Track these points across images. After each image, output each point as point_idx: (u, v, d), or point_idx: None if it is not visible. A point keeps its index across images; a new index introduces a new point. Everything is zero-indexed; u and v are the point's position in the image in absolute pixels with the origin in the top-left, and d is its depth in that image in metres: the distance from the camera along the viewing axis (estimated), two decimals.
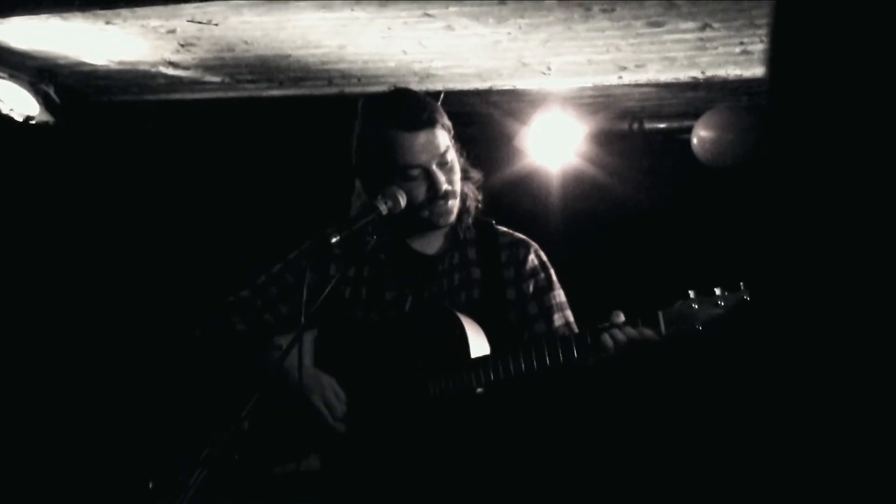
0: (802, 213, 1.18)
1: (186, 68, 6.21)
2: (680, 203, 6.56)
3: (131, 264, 7.27)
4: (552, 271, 3.82)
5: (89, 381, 7.05)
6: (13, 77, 6.38)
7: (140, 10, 5.21)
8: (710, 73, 5.76)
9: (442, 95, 6.29)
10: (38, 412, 6.96)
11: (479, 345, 3.53)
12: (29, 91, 6.47)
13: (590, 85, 6.11)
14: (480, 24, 5.21)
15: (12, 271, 7.05)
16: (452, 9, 5.03)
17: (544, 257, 3.84)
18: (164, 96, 6.82)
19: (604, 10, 4.97)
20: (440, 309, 3.65)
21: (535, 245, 3.84)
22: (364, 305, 3.76)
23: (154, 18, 5.34)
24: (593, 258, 6.39)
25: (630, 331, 3.38)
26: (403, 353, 3.57)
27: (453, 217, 3.73)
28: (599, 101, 6.66)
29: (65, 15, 5.33)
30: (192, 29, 5.47)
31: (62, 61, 6.22)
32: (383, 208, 3.53)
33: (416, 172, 3.64)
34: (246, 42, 5.65)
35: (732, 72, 5.72)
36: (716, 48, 5.41)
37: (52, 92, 6.53)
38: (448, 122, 3.75)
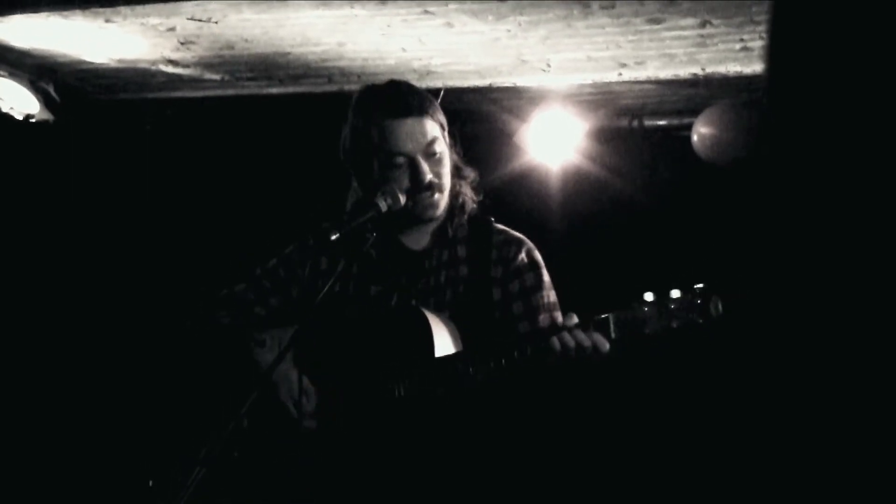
0: (799, 210, 1.18)
1: (186, 66, 6.22)
2: (680, 200, 6.56)
3: (131, 262, 7.27)
4: (544, 271, 3.75)
5: (90, 379, 7.05)
6: (13, 75, 6.39)
7: (140, 8, 5.21)
8: (709, 69, 5.76)
9: (441, 93, 6.30)
10: (37, 411, 6.96)
11: (445, 344, 3.50)
12: (29, 89, 6.47)
13: (589, 82, 6.11)
14: (480, 21, 5.21)
15: (12, 269, 7.05)
16: (452, 6, 5.03)
17: (537, 257, 3.77)
18: (163, 94, 6.82)
19: (603, 7, 4.97)
20: (408, 307, 3.63)
21: (529, 244, 3.78)
22: (350, 299, 3.75)
23: (154, 16, 5.34)
24: (593, 255, 6.39)
25: (580, 335, 3.33)
26: (370, 352, 3.55)
27: (439, 211, 3.70)
28: (599, 98, 6.66)
29: (65, 13, 5.33)
30: (192, 27, 5.47)
31: (62, 59, 6.22)
32: (383, 205, 3.52)
33: (400, 160, 3.63)
34: (245, 40, 5.65)
35: (732, 68, 5.71)
36: (716, 45, 5.41)
37: (51, 90, 6.53)
38: (441, 116, 3.74)
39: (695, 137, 6.48)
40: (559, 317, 3.66)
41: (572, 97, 6.52)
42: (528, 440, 3.73)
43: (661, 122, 6.93)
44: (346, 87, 6.39)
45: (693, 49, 5.50)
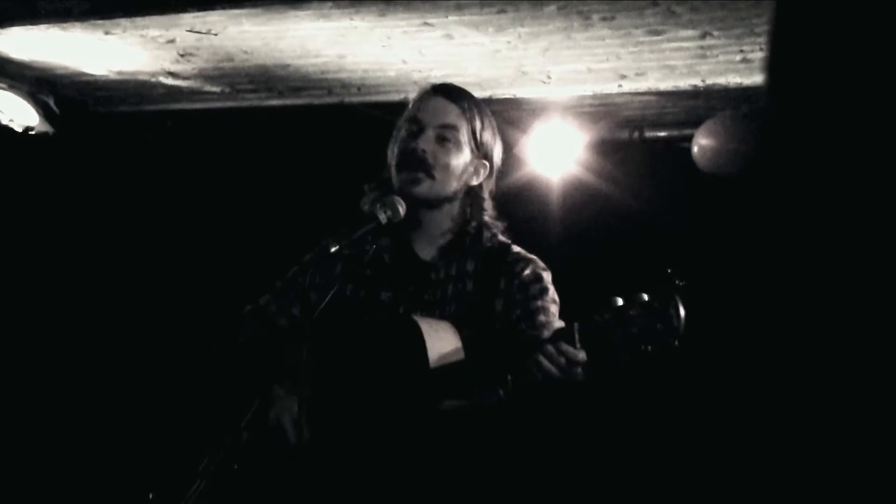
0: (799, 219, 1.17)
1: (186, 78, 6.22)
2: (680, 212, 6.55)
3: (131, 274, 7.26)
4: (550, 287, 3.71)
5: (89, 393, 7.05)
6: (13, 87, 6.39)
7: (139, 20, 5.22)
8: (710, 81, 5.76)
9: None
10: (39, 425, 6.95)
11: (442, 352, 3.48)
12: (28, 101, 6.48)
13: (590, 93, 6.11)
14: (480, 32, 5.21)
15: (12, 281, 7.04)
16: (452, 18, 5.03)
17: (546, 275, 3.73)
18: (163, 106, 6.82)
19: (604, 19, 4.97)
20: (400, 317, 3.62)
21: (540, 263, 3.75)
22: (361, 305, 3.74)
23: (153, 28, 5.35)
24: (593, 267, 6.38)
25: (549, 349, 3.29)
26: (368, 363, 3.54)
27: (418, 190, 3.65)
28: (600, 110, 6.65)
29: (64, 25, 5.33)
30: (192, 39, 5.47)
31: (61, 71, 6.22)
32: (382, 217, 3.52)
33: (414, 128, 3.69)
34: (245, 52, 5.65)
35: (732, 80, 5.71)
36: (716, 56, 5.41)
37: (51, 102, 6.54)
38: (479, 124, 3.74)
39: (695, 149, 6.47)
40: (555, 322, 3.64)
41: (573, 109, 6.52)
42: (526, 454, 3.71)
43: (662, 134, 6.93)
44: (346, 100, 6.39)
45: (693, 60, 5.50)
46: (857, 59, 1.12)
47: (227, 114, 6.76)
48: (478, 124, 3.74)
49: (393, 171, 3.71)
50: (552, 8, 4.87)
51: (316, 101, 6.47)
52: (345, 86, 6.21)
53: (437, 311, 3.63)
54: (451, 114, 3.69)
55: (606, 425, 6.31)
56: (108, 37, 5.49)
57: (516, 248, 3.80)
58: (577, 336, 3.24)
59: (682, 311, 3.14)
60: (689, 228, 6.30)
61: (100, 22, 5.27)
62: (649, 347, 3.18)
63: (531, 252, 3.81)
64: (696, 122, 6.52)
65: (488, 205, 3.84)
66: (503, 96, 6.14)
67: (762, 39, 5.08)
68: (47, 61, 6.03)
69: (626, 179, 6.81)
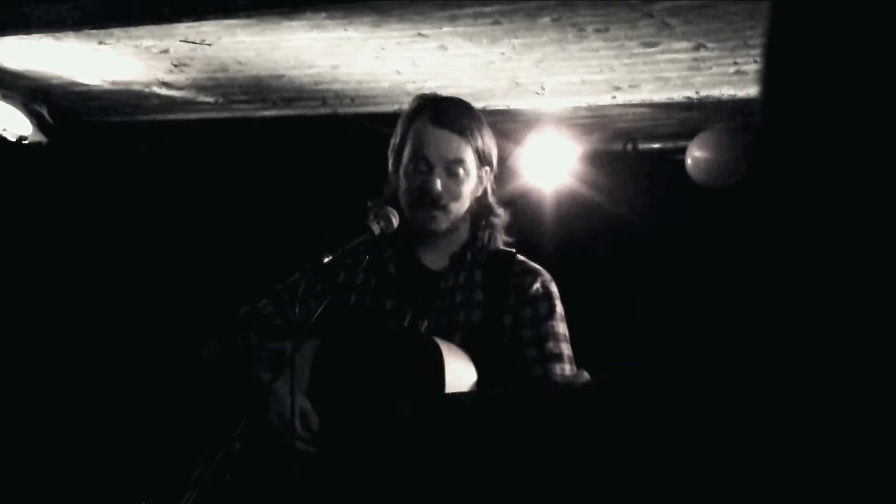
0: (795, 233, 1.17)
1: (180, 88, 6.22)
2: (674, 224, 6.55)
3: (125, 283, 7.26)
4: (557, 303, 3.74)
5: (80, 403, 7.03)
6: (6, 97, 6.38)
7: (133, 30, 5.22)
8: (704, 93, 5.76)
9: None
10: (29, 435, 6.94)
11: (458, 374, 3.48)
12: (22, 111, 6.47)
13: (584, 105, 6.11)
14: (474, 44, 5.21)
15: (5, 289, 7.03)
16: (446, 29, 5.03)
17: (553, 289, 3.76)
18: (157, 117, 6.82)
19: (597, 31, 4.98)
20: (421, 336, 3.61)
21: (546, 276, 3.78)
22: (366, 313, 3.74)
23: (147, 38, 5.34)
24: (586, 279, 6.38)
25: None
26: (377, 376, 3.53)
27: (437, 226, 3.69)
28: (593, 122, 6.65)
29: (57, 35, 5.33)
30: (185, 49, 5.47)
31: (55, 81, 6.22)
32: (376, 228, 3.53)
33: (422, 166, 3.66)
34: (239, 62, 5.65)
35: (727, 92, 5.72)
36: (710, 68, 5.41)
37: (45, 112, 6.53)
38: (483, 145, 3.74)
39: (689, 161, 6.48)
40: (566, 349, 3.66)
41: (566, 120, 6.52)
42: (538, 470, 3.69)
43: (656, 146, 6.93)
44: (341, 111, 6.39)
45: (687, 72, 5.51)
46: (853, 69, 1.12)
47: (220, 124, 6.75)
48: (479, 142, 3.74)
49: (405, 203, 3.70)
50: (546, 20, 4.88)
51: (310, 112, 6.47)
52: (339, 97, 6.21)
53: (446, 320, 3.63)
54: (458, 147, 3.67)
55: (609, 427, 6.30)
56: (102, 47, 5.49)
57: (521, 258, 3.83)
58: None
59: None
60: (683, 240, 6.30)
61: (93, 32, 5.27)
62: None
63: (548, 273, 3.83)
64: (690, 134, 6.52)
65: (496, 209, 3.87)
66: (497, 108, 6.14)
67: (756, 51, 5.09)
68: (41, 71, 6.03)
69: (620, 191, 6.81)
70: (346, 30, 5.09)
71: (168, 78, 6.01)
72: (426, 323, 3.66)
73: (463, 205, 3.74)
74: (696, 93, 5.77)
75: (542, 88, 5.88)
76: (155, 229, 7.30)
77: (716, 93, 5.75)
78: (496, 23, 4.93)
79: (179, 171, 7.31)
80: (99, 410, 7.02)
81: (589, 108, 6.22)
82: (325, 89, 6.09)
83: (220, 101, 6.43)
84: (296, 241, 4.20)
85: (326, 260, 3.38)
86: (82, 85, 6.23)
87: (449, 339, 3.54)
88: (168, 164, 7.30)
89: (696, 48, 5.14)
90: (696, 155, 6.44)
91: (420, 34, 5.12)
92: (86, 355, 7.11)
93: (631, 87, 5.78)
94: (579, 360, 3.67)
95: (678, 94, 5.82)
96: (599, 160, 6.88)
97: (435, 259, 3.79)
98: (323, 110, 6.42)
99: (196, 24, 5.07)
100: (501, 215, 3.88)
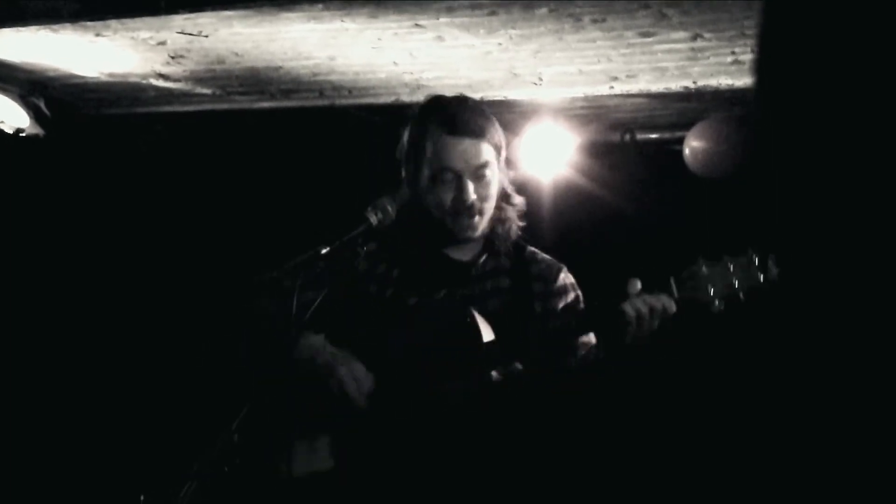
0: (791, 221, 1.17)
1: (177, 80, 6.21)
2: (672, 214, 6.55)
3: (122, 275, 7.26)
4: (579, 292, 3.87)
5: (77, 396, 7.04)
6: (3, 90, 6.38)
7: (130, 22, 5.21)
8: (701, 83, 5.76)
9: None
10: (26, 428, 6.94)
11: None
12: (19, 104, 6.47)
13: (581, 95, 6.11)
14: (471, 34, 5.21)
15: (1, 282, 7.03)
16: (443, 19, 5.03)
17: (573, 279, 3.89)
18: (154, 109, 6.82)
19: (595, 21, 4.97)
20: (452, 302, 3.65)
21: (564, 266, 3.90)
22: (390, 304, 3.76)
23: (144, 30, 5.34)
24: (584, 269, 6.37)
25: (649, 297, 3.39)
26: (420, 345, 3.56)
27: (477, 233, 3.73)
28: (591, 112, 6.65)
29: (54, 27, 5.32)
30: (183, 41, 5.46)
31: (52, 74, 6.21)
32: (374, 219, 3.54)
33: (448, 176, 3.67)
34: (236, 54, 5.65)
35: (724, 82, 5.71)
36: (707, 58, 5.41)
37: (42, 104, 6.53)
38: (499, 139, 3.79)
39: (687, 151, 6.48)
40: (593, 337, 3.70)
41: (564, 111, 6.52)
42: (577, 434, 3.72)
43: (653, 136, 6.93)
44: (338, 102, 6.39)
45: (684, 62, 5.50)
46: (846, 59, 1.12)
47: (218, 116, 6.75)
48: (496, 137, 3.78)
49: (438, 214, 3.72)
50: (543, 10, 4.87)
51: (307, 104, 6.47)
52: (336, 88, 6.21)
53: (476, 307, 3.64)
54: (481, 151, 3.69)
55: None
56: (99, 39, 5.48)
57: (532, 248, 3.89)
58: (674, 287, 3.42)
59: (775, 264, 3.29)
60: (681, 230, 6.30)
61: (90, 24, 5.26)
62: (742, 295, 3.29)
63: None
64: (688, 125, 6.52)
65: (513, 197, 3.91)
66: (494, 98, 6.13)
67: (753, 41, 5.08)
68: (38, 64, 6.02)
69: (618, 182, 6.81)
70: (342, 21, 5.08)
71: (165, 70, 6.01)
72: (460, 302, 3.69)
73: (493, 203, 3.78)
74: (694, 83, 5.77)
75: (540, 79, 5.88)
76: (153, 221, 7.30)
77: (713, 83, 5.75)
78: (493, 13, 4.93)
79: (177, 162, 7.31)
80: (95, 402, 7.02)
81: (586, 99, 6.22)
82: (322, 80, 6.08)
83: (218, 92, 6.42)
84: (292, 232, 4.19)
85: (324, 251, 3.40)
86: (79, 77, 6.22)
87: (487, 326, 3.58)
88: (165, 156, 7.30)
89: (694, 38, 5.14)
90: (693, 145, 6.44)
91: (417, 25, 5.12)
92: (84, 348, 7.11)
93: (628, 77, 5.78)
94: None
95: (676, 84, 5.82)
96: (597, 151, 6.88)
97: (463, 251, 3.81)
98: (320, 102, 6.42)
99: (193, 15, 5.06)
100: (518, 203, 3.92)
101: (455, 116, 3.72)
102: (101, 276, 7.26)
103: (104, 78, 6.21)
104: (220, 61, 5.80)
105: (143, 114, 6.89)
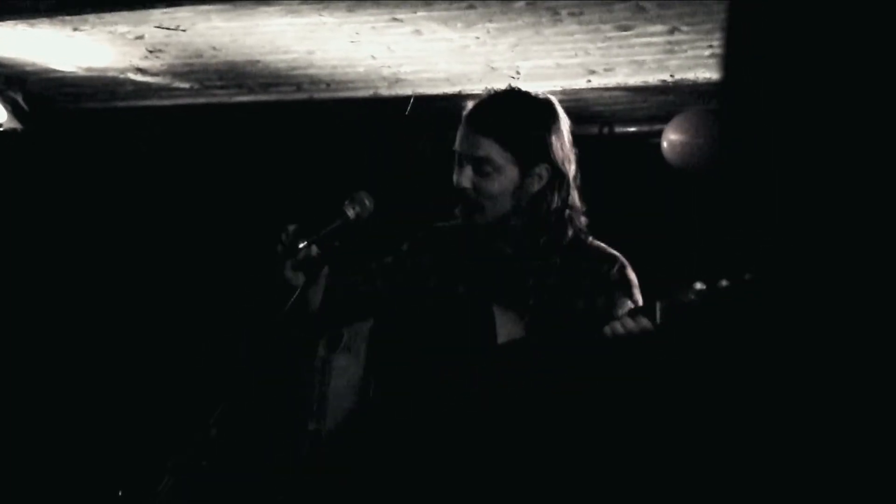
0: (767, 214, 1.17)
1: (155, 74, 6.20)
2: (650, 207, 6.56)
3: (102, 268, 7.25)
4: (635, 290, 3.71)
5: (55, 391, 7.03)
6: None
7: (107, 16, 5.20)
8: (679, 76, 5.77)
9: (412, 101, 6.30)
10: (7, 421, 6.93)
11: (510, 337, 3.52)
12: None
13: (559, 89, 6.11)
14: (449, 28, 5.21)
15: None
16: (421, 13, 5.03)
17: (631, 275, 3.73)
18: (133, 103, 6.81)
19: (572, 14, 4.98)
20: (475, 301, 3.64)
21: (623, 261, 3.75)
22: (432, 296, 3.76)
23: (122, 24, 5.33)
24: None
25: (628, 322, 3.35)
26: (436, 343, 3.56)
27: (475, 222, 3.66)
28: (569, 106, 6.61)
29: (32, 21, 5.31)
30: (160, 35, 5.46)
31: (30, 68, 6.20)
32: (350, 213, 3.55)
33: (455, 163, 3.67)
34: (214, 48, 5.64)
35: (701, 75, 5.73)
36: (684, 51, 5.43)
37: (20, 99, 6.51)
38: (519, 140, 3.66)
39: (664, 144, 6.49)
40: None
41: None
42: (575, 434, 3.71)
43: (631, 129, 6.94)
44: (316, 96, 6.39)
45: (662, 56, 5.51)
46: (814, 52, 1.13)
47: (196, 110, 6.74)
48: (513, 138, 3.65)
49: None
50: (521, 3, 4.88)
51: (285, 98, 6.46)
52: (314, 82, 6.20)
53: (516, 303, 3.62)
54: (481, 145, 3.61)
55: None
56: (77, 33, 5.47)
57: (596, 243, 3.81)
58: (658, 312, 3.31)
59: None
60: (659, 223, 6.32)
61: (68, 18, 5.25)
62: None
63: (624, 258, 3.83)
64: (666, 118, 6.53)
65: (563, 201, 3.78)
66: (473, 92, 6.11)
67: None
68: (16, 58, 6.01)
69: (596, 175, 6.81)
70: (320, 15, 5.08)
71: (143, 64, 6.00)
72: (482, 300, 3.68)
73: (500, 203, 3.66)
74: (671, 76, 5.79)
75: (518, 72, 5.89)
76: (131, 214, 7.29)
77: (691, 76, 5.76)
78: (471, 7, 4.93)
79: (156, 156, 7.30)
80: (72, 397, 7.02)
81: (564, 92, 6.22)
82: (300, 74, 6.08)
83: (196, 86, 6.42)
84: (270, 226, 4.18)
85: (301, 245, 3.41)
86: (57, 71, 6.21)
87: (519, 321, 3.56)
88: (145, 150, 7.29)
89: (671, 31, 5.15)
90: (671, 138, 6.45)
91: (395, 19, 5.12)
92: (59, 341, 7.10)
93: (606, 70, 5.79)
94: None
95: (653, 78, 5.83)
96: (575, 144, 6.88)
97: (507, 246, 3.77)
98: (298, 96, 6.41)
99: (171, 9, 5.06)
100: (575, 207, 3.83)
101: (476, 107, 3.70)
102: (81, 268, 7.24)
103: (82, 72, 6.20)
104: (198, 55, 5.79)
105: (122, 108, 6.88)
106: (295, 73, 6.05)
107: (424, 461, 3.49)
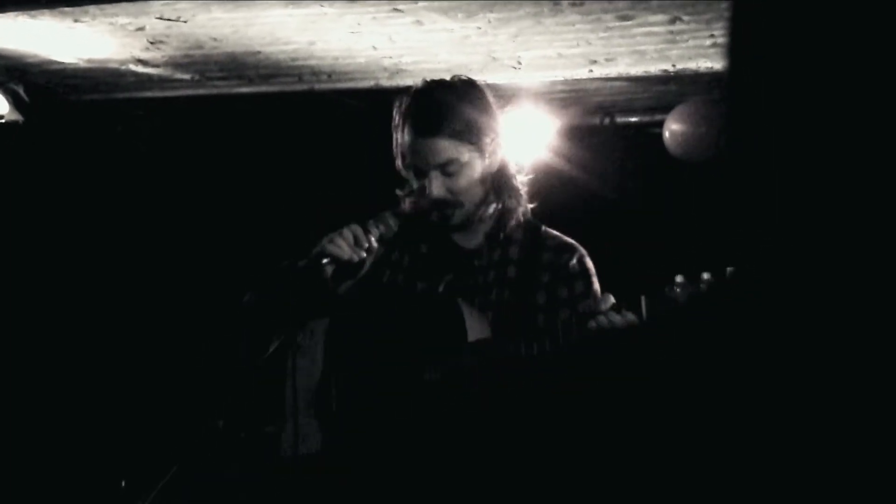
0: (768, 205, 1.17)
1: (156, 66, 6.20)
2: (652, 197, 6.56)
3: (101, 262, 7.24)
4: (594, 279, 3.73)
5: (55, 384, 7.02)
6: None
7: (108, 8, 5.19)
8: (680, 66, 5.77)
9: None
10: (9, 415, 6.93)
11: (478, 334, 3.52)
12: None
13: (560, 79, 6.12)
14: (449, 18, 5.21)
15: None
16: (421, 3, 5.03)
17: (589, 264, 3.75)
18: (134, 94, 6.80)
19: (573, 4, 4.98)
20: (444, 298, 3.64)
21: (581, 251, 3.77)
22: (395, 291, 3.75)
23: (122, 16, 5.32)
24: None
25: (614, 316, 3.35)
26: (403, 340, 3.55)
27: (454, 223, 3.68)
28: (570, 96, 6.66)
29: (33, 13, 5.30)
30: (161, 26, 5.45)
31: (31, 60, 6.19)
32: (375, 233, 3.53)
33: (419, 174, 3.64)
34: (215, 39, 5.64)
35: (703, 65, 5.73)
36: (686, 41, 5.42)
37: (21, 91, 6.50)
38: (473, 126, 3.66)
39: (666, 134, 6.49)
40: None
41: (543, 95, 6.52)
42: (551, 426, 3.69)
43: (633, 119, 6.94)
44: (317, 87, 6.38)
45: (663, 45, 5.51)
46: (822, 41, 1.12)
47: (197, 101, 6.74)
48: (468, 126, 3.65)
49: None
50: None
51: (286, 88, 6.46)
52: (315, 73, 6.20)
53: (478, 298, 3.63)
54: (445, 149, 3.60)
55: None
56: (78, 25, 5.46)
57: (551, 231, 3.82)
58: (643, 307, 3.33)
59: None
60: (661, 214, 6.32)
61: (69, 10, 5.24)
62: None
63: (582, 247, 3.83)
64: (667, 108, 6.53)
65: (515, 181, 3.84)
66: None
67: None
68: (17, 50, 6.00)
69: (598, 165, 6.82)
70: (321, 5, 5.08)
71: (144, 55, 5.99)
72: (449, 296, 3.67)
73: (473, 193, 3.69)
74: (673, 66, 5.78)
75: (519, 63, 5.89)
76: (132, 207, 7.28)
77: (692, 65, 5.76)
78: None
79: (157, 148, 7.29)
80: (73, 391, 7.01)
81: (566, 83, 6.23)
82: (301, 65, 6.07)
83: (197, 77, 6.41)
84: (272, 217, 4.20)
85: (325, 261, 3.42)
86: (58, 63, 6.20)
87: (481, 317, 3.56)
88: (145, 141, 7.29)
89: (672, 21, 5.15)
90: (673, 128, 6.45)
91: (396, 9, 5.11)
92: (59, 335, 7.10)
93: (607, 60, 5.78)
94: None
95: (655, 68, 5.83)
96: (577, 134, 6.88)
97: (469, 238, 3.78)
98: (299, 86, 6.41)
99: (171, 1, 5.05)
100: (520, 182, 3.87)
101: (417, 112, 3.65)
102: (80, 262, 7.24)
103: (83, 64, 6.19)
104: (199, 46, 5.79)
105: (123, 99, 6.88)
106: (296, 63, 6.04)
107: (399, 465, 3.49)
